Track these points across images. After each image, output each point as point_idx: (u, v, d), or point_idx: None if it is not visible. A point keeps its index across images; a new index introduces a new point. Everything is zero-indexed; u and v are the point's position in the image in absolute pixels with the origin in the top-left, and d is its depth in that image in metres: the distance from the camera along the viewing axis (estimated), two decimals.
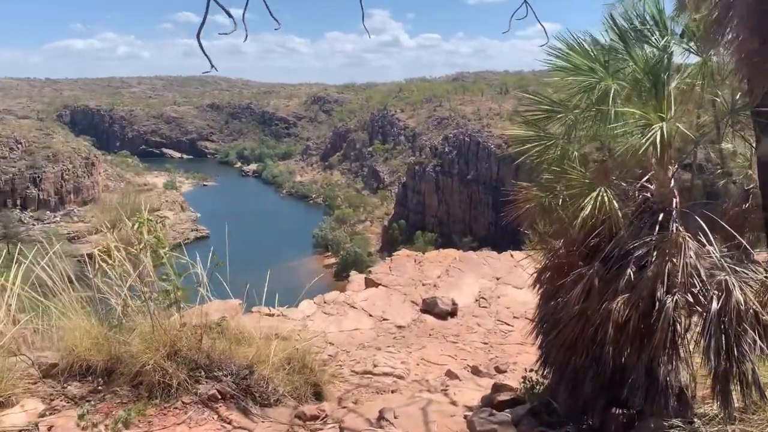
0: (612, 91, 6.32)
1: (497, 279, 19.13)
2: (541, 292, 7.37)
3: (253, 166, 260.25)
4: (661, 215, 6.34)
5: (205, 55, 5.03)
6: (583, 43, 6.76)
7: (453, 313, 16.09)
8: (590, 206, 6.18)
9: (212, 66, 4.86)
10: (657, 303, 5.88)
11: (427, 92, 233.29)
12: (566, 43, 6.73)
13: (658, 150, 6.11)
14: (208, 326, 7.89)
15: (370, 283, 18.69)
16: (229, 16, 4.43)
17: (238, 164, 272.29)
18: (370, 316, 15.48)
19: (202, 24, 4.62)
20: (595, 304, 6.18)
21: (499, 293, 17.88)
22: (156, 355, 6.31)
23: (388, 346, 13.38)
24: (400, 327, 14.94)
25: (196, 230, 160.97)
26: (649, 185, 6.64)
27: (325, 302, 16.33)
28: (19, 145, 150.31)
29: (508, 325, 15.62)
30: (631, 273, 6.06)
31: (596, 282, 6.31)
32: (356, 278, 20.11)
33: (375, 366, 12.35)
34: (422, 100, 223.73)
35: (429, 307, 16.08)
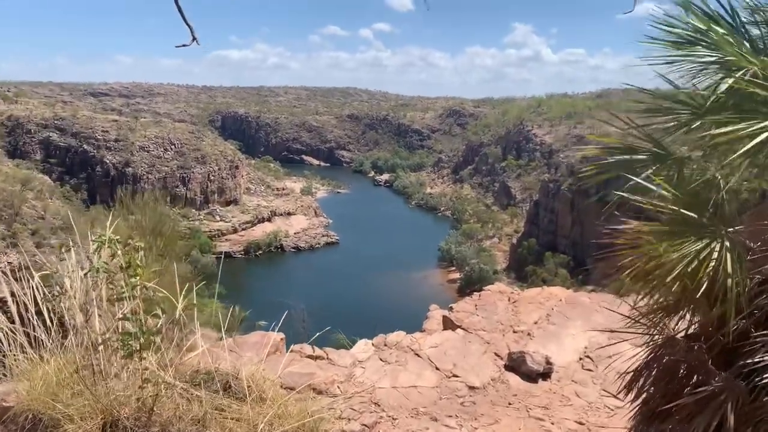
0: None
1: (611, 332, 14.88)
2: (639, 405, 4.61)
3: (385, 176, 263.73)
4: None
5: (187, 24, 5.18)
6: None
7: (546, 375, 12.74)
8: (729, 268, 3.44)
9: (194, 38, 5.09)
10: None
11: (568, 108, 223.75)
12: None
13: None
14: (196, 377, 5.82)
15: (447, 323, 15.49)
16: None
17: (372, 173, 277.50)
18: (437, 369, 12.52)
19: None
20: None
21: (611, 352, 13.67)
22: (85, 426, 4.70)
23: (450, 416, 10.49)
24: (472, 388, 11.89)
25: (327, 236, 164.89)
26: None
27: (385, 345, 13.61)
28: (173, 146, 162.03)
29: (617, 398, 11.70)
30: None
31: (738, 403, 3.54)
32: (435, 315, 16.96)
33: None
34: (562, 116, 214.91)
35: (515, 364, 12.84)
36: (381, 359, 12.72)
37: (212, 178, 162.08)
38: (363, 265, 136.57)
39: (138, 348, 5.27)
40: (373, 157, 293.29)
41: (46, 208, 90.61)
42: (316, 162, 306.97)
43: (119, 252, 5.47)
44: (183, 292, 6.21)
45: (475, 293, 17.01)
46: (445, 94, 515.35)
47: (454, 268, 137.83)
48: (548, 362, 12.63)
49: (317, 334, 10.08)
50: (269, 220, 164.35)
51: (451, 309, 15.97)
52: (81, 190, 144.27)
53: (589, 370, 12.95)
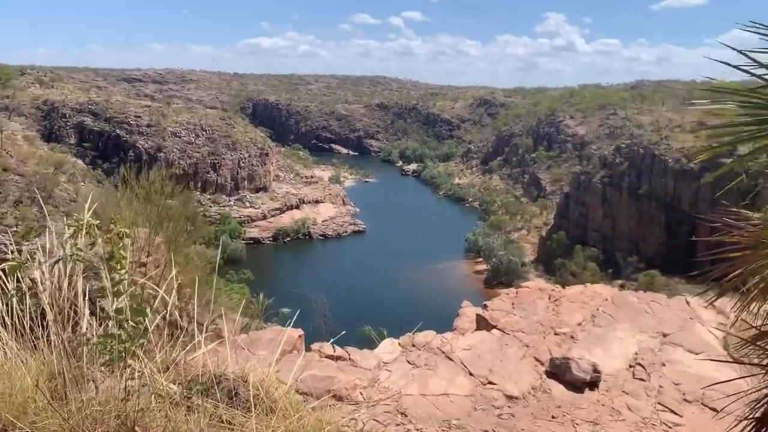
0: None
1: (664, 336, 13.69)
2: None
3: (413, 166, 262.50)
4: None
5: None
6: None
7: (593, 384, 11.26)
8: None
9: None
10: None
11: (601, 99, 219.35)
12: None
13: None
14: (195, 383, 4.93)
15: (482, 323, 14.04)
16: None
17: (400, 163, 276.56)
18: (470, 375, 11.14)
19: None
20: None
21: (664, 358, 12.58)
22: None
23: (486, 430, 9.23)
24: (510, 398, 10.53)
25: (354, 224, 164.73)
26: None
27: (413, 345, 12.35)
28: (204, 133, 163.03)
29: (675, 413, 10.46)
30: None
31: None
32: (467, 312, 15.50)
33: None
34: (594, 108, 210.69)
35: (558, 371, 11.40)
36: (408, 361, 11.55)
37: (242, 164, 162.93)
38: (389, 255, 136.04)
39: (122, 353, 4.42)
40: (401, 147, 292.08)
41: (77, 191, 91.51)
42: (344, 151, 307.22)
43: (99, 239, 4.54)
44: (202, 280, 5.31)
45: (511, 289, 15.68)
46: (476, 83, 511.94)
47: (481, 260, 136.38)
48: (596, 370, 11.25)
49: (341, 333, 9.18)
50: (297, 207, 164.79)
51: (485, 307, 14.68)
52: (113, 174, 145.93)
53: (641, 379, 11.53)
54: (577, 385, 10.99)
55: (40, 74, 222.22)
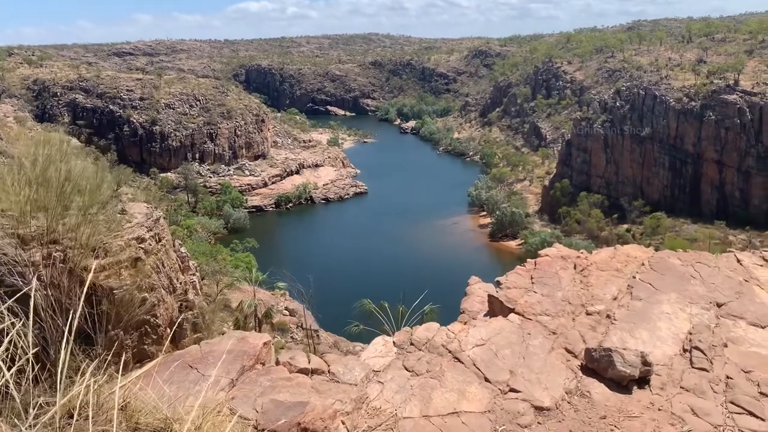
0: None
1: (718, 306, 11.10)
2: None
3: (411, 123, 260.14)
4: None
5: None
6: None
7: (643, 380, 8.87)
8: None
9: None
10: None
11: (598, 42, 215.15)
12: None
13: None
14: None
15: (495, 305, 11.49)
16: None
17: (398, 121, 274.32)
18: (486, 381, 8.80)
19: None
20: None
21: (725, 337, 10.07)
22: None
23: None
24: (540, 410, 8.20)
25: (356, 186, 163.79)
26: None
27: (411, 344, 9.85)
28: (198, 103, 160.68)
29: (755, 416, 8.12)
30: None
31: None
32: (476, 290, 12.92)
33: None
34: (592, 51, 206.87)
35: (597, 366, 9.03)
36: (406, 368, 9.19)
37: (239, 132, 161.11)
38: (392, 214, 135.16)
39: None
40: (399, 105, 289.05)
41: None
42: (341, 112, 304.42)
43: None
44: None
45: (528, 261, 13.00)
46: (470, 34, 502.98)
47: (484, 213, 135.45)
48: (645, 362, 8.93)
49: (335, 320, 7.83)
50: (298, 172, 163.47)
51: (499, 284, 12.10)
52: (110, 150, 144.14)
53: (703, 369, 9.20)
54: (623, 384, 8.82)
55: (28, 53, 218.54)
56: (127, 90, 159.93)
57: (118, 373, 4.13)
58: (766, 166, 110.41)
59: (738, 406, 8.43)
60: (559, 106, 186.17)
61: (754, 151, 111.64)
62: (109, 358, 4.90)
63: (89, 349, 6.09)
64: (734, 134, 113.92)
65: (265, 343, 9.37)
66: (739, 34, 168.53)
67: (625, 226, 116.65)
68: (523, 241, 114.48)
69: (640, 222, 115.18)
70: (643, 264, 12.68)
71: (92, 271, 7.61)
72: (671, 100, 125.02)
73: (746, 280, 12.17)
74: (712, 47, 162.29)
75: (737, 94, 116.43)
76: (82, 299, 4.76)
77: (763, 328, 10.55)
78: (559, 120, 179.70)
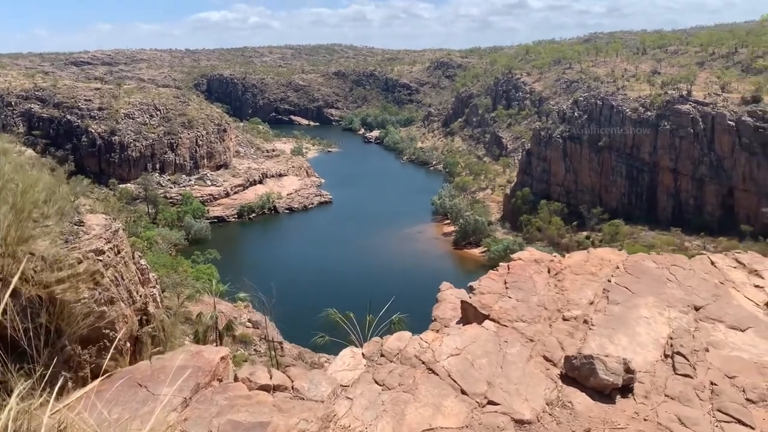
0: None
1: (696, 309, 11.03)
2: None
3: (375, 133, 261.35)
4: None
5: None
6: None
7: (625, 388, 8.63)
8: None
9: None
10: None
11: (556, 54, 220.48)
12: None
13: None
14: None
15: (469, 311, 11.20)
16: None
17: (362, 131, 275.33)
18: (464, 393, 8.42)
19: None
20: None
21: (706, 341, 9.95)
22: None
23: None
24: (521, 423, 7.88)
25: (320, 195, 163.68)
26: None
27: (382, 355, 9.35)
28: (158, 112, 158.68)
29: (743, 423, 7.97)
30: None
31: None
32: (448, 297, 12.57)
33: None
34: (550, 63, 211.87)
35: (578, 374, 8.76)
36: (377, 381, 8.60)
37: (200, 142, 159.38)
38: (357, 224, 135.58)
39: None
40: (362, 114, 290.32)
41: None
42: (305, 122, 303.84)
43: None
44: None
45: (501, 265, 12.73)
46: (432, 46, 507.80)
47: (448, 221, 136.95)
48: (628, 369, 8.65)
49: (296, 332, 8.24)
50: (261, 182, 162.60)
51: (472, 290, 11.79)
52: (68, 161, 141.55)
53: (687, 375, 8.93)
54: (605, 393, 8.48)
55: None
56: (86, 100, 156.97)
57: (51, 395, 3.67)
58: (718, 174, 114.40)
59: (726, 414, 8.21)
60: (519, 117, 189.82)
61: (707, 159, 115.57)
62: (46, 377, 4.45)
63: (28, 367, 5.66)
64: (688, 143, 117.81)
65: (222, 358, 8.75)
66: (690, 47, 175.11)
67: (585, 233, 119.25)
68: (486, 248, 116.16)
69: (599, 229, 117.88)
70: (617, 267, 12.62)
71: (17, 276, 7.06)
72: (628, 110, 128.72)
73: (722, 283, 12.27)
74: (666, 59, 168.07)
75: (690, 104, 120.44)
76: (10, 308, 4.01)
77: (743, 331, 10.53)
78: (519, 130, 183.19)
